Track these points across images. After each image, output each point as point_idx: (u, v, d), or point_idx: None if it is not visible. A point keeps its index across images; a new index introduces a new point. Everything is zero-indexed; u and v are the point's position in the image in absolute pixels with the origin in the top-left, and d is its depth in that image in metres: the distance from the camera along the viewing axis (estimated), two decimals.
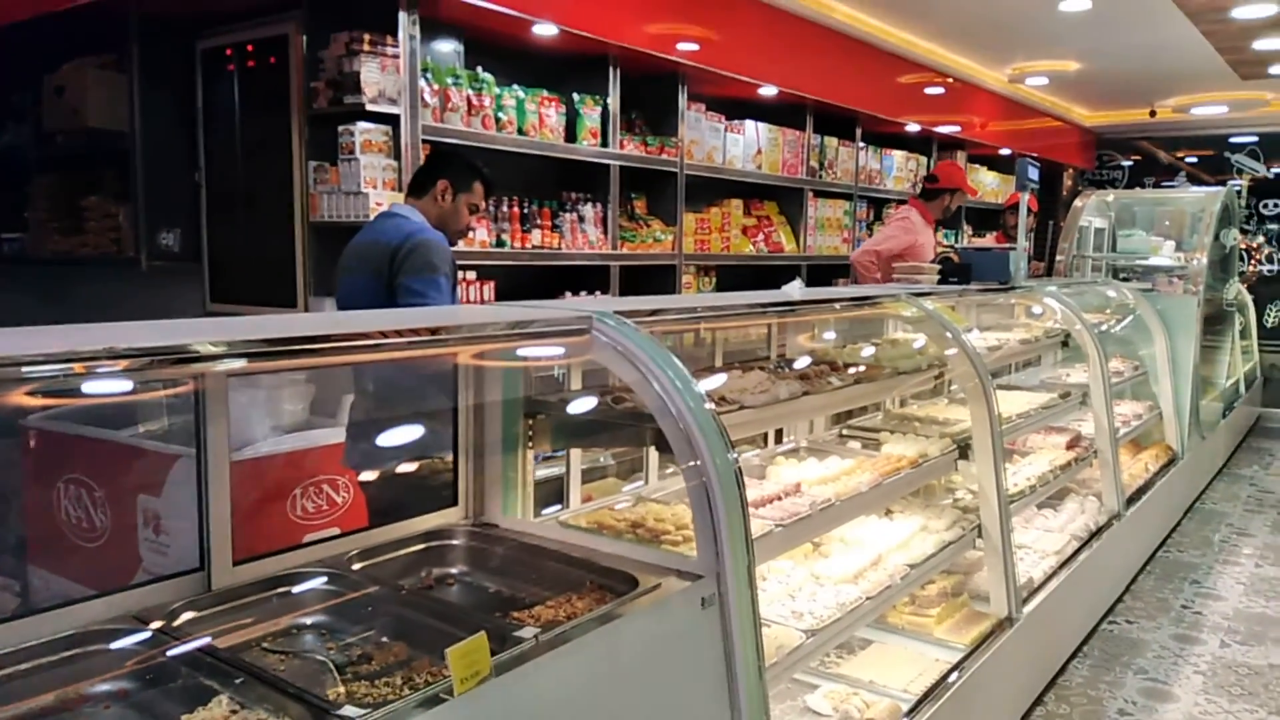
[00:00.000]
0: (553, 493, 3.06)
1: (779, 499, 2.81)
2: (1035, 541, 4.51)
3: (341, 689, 1.70)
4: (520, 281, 4.94)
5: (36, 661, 1.72)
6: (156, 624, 1.84)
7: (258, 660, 1.92)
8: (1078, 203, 8.03)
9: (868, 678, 3.15)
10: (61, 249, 5.14)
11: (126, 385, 1.66)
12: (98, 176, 5.10)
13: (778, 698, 2.89)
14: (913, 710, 2.96)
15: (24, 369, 1.33)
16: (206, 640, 1.85)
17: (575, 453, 3.00)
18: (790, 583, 2.95)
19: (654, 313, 2.63)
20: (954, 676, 3.20)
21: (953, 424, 4.07)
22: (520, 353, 2.55)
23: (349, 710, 1.51)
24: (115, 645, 1.79)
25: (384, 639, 2.04)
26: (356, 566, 2.27)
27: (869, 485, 3.02)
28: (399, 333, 1.93)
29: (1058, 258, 7.80)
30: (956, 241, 8.94)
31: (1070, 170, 12.52)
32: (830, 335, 4.27)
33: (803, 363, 3.39)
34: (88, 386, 1.55)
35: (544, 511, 2.78)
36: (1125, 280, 7.62)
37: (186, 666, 1.72)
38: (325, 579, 2.18)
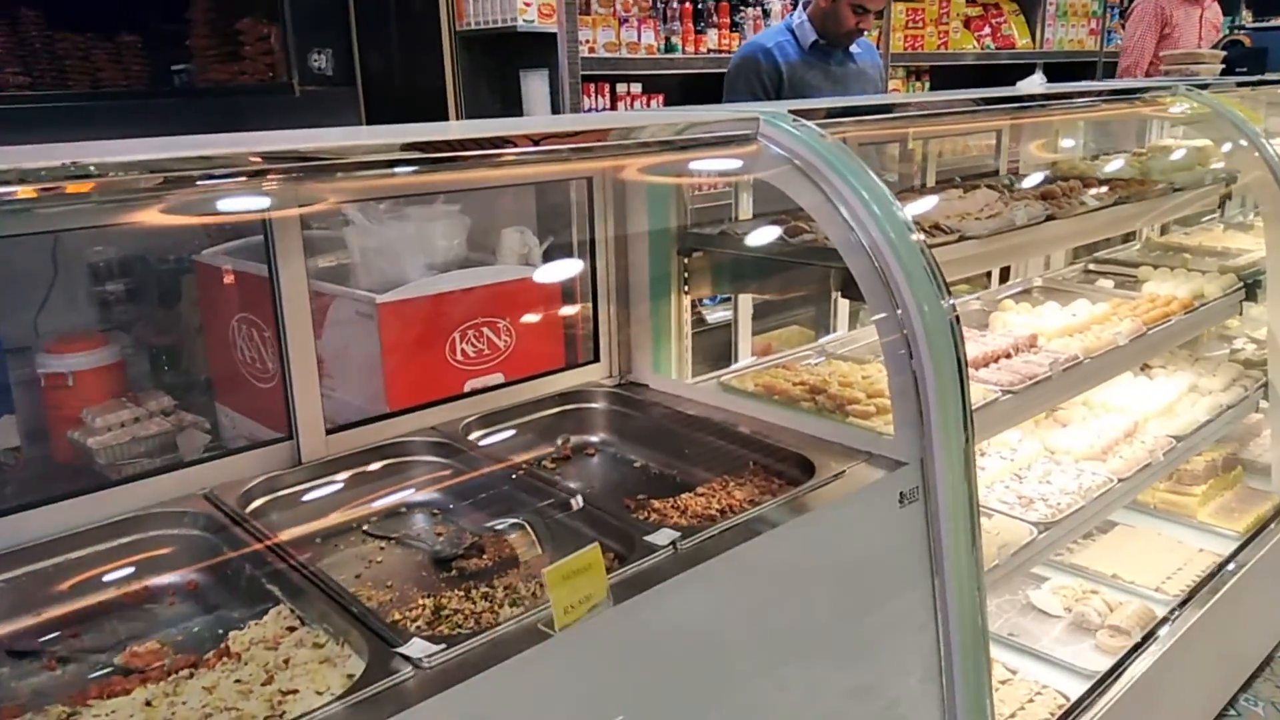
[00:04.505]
0: (720, 346, 2.58)
1: (1008, 356, 2.19)
2: None
3: (428, 603, 1.34)
4: (694, 94, 4.30)
5: (95, 548, 1.46)
6: (232, 504, 1.54)
7: (353, 547, 1.61)
8: None
9: (1110, 570, 2.57)
10: (221, 78, 4.98)
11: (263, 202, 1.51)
12: None
13: (995, 589, 2.37)
14: (1168, 617, 2.36)
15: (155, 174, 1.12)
16: (289, 532, 1.54)
17: (744, 299, 2.48)
18: (1018, 459, 2.36)
19: (842, 113, 2.00)
20: (1223, 574, 2.56)
21: (1234, 255, 3.21)
22: (670, 171, 2.02)
23: (415, 646, 1.14)
24: (177, 531, 1.51)
25: (502, 524, 1.67)
26: (478, 434, 1.91)
27: (1128, 337, 2.33)
28: (476, 142, 1.44)
29: None
30: (1234, 24, 7.29)
31: None
32: (1074, 145, 3.43)
33: (1042, 179, 2.65)
34: (220, 203, 1.37)
35: (718, 372, 2.31)
36: None
37: (250, 565, 1.41)
38: (438, 450, 1.82)
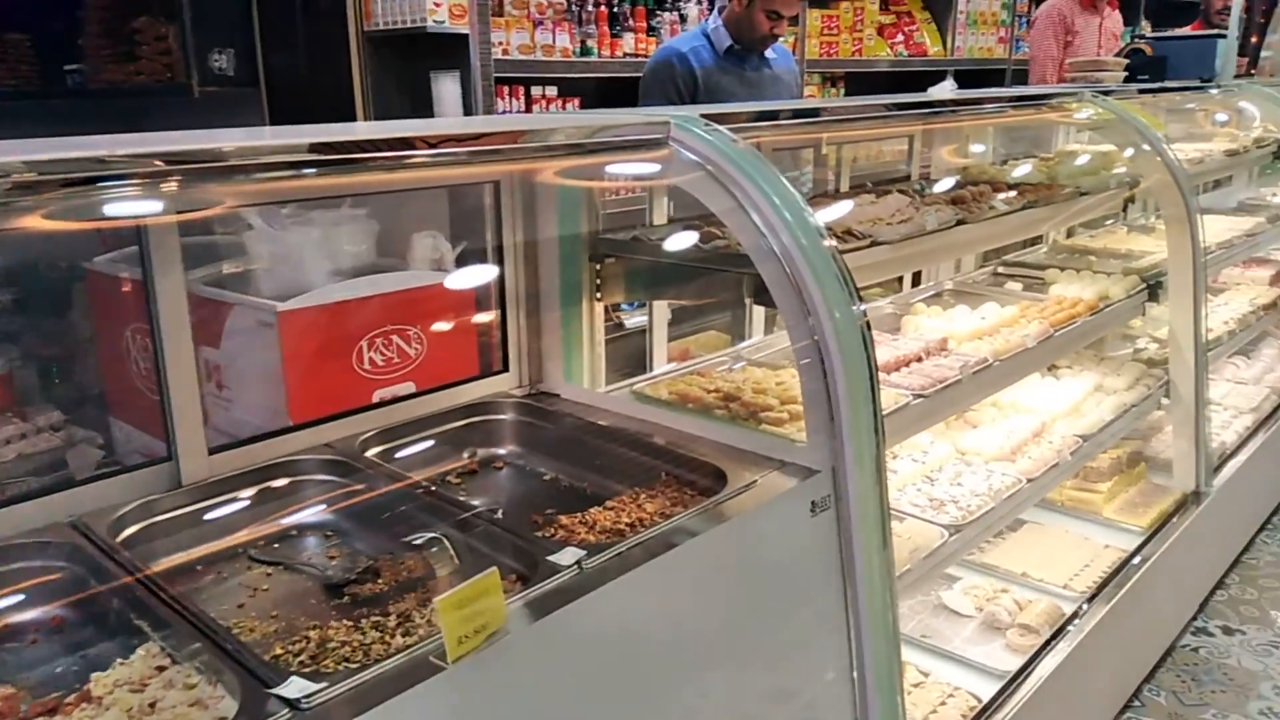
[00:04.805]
0: (639, 352, 2.53)
1: (919, 360, 2.19)
2: (1226, 396, 3.76)
3: (314, 635, 1.26)
4: (611, 98, 4.26)
5: None
6: (102, 533, 1.43)
7: (237, 575, 1.51)
8: None
9: (1020, 569, 2.60)
10: (116, 78, 4.76)
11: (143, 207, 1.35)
12: None
13: (907, 592, 2.37)
14: (1076, 614, 2.40)
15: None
16: (165, 561, 1.44)
17: (660, 305, 2.44)
18: (929, 461, 2.37)
19: (755, 117, 1.98)
20: (1128, 569, 2.61)
21: (1138, 257, 3.30)
22: (581, 175, 1.97)
23: (292, 686, 1.06)
24: (40, 563, 1.39)
25: (400, 546, 1.59)
26: (377, 450, 1.82)
27: (1036, 339, 2.36)
28: (372, 144, 1.37)
29: (1263, 53, 6.49)
30: (1134, 33, 7.55)
31: None
32: (985, 150, 3.48)
33: (953, 184, 2.67)
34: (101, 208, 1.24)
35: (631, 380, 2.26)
36: None
37: (119, 598, 1.31)
38: (333, 468, 1.73)
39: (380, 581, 1.51)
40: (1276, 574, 3.44)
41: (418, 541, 1.55)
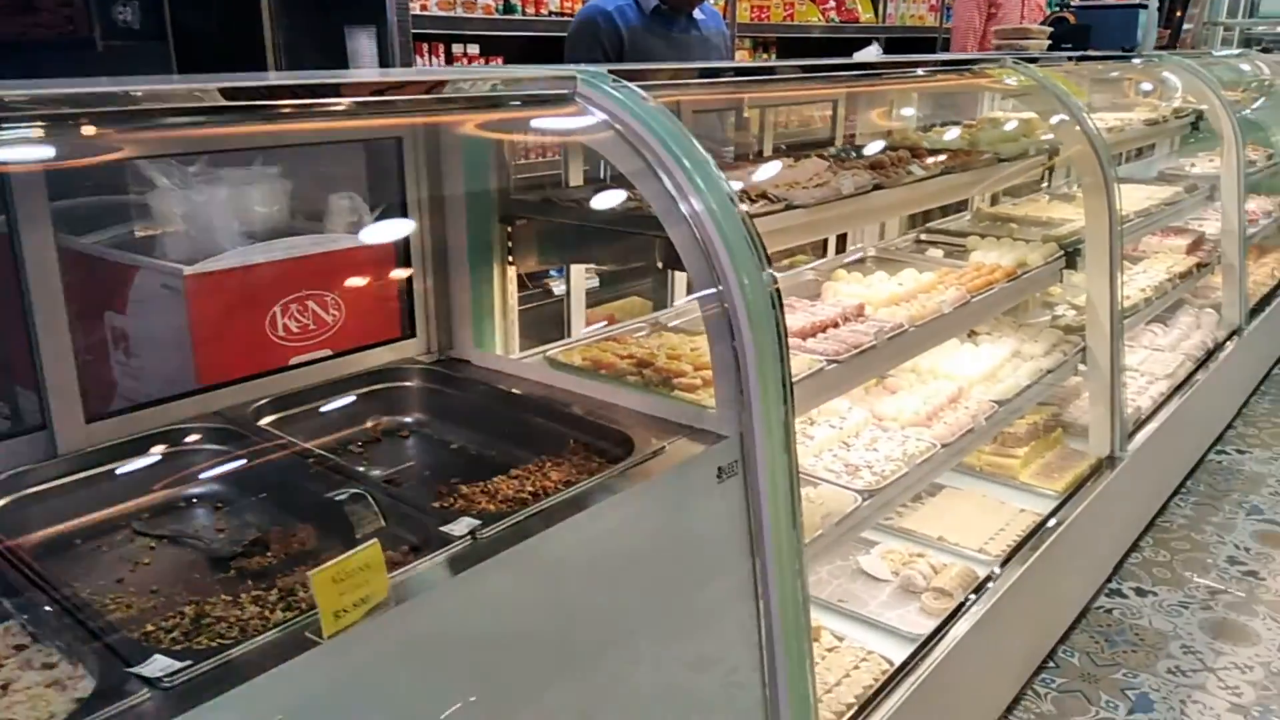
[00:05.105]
0: (560, 320, 2.48)
1: (835, 326, 2.18)
2: (1143, 363, 3.84)
3: (189, 610, 1.20)
4: (537, 58, 4.15)
5: None
6: None
7: (118, 549, 1.44)
8: None
9: (937, 533, 2.62)
10: (13, 31, 4.52)
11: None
12: None
13: (823, 556, 2.38)
14: (990, 577, 2.43)
15: None
16: (36, 535, 1.36)
17: (578, 270, 2.39)
18: (846, 426, 2.37)
19: (671, 75, 1.93)
20: (1043, 533, 2.66)
21: (1057, 225, 3.34)
22: (487, 131, 1.90)
23: (154, 665, 1.00)
24: None
25: (291, 518, 1.53)
26: (273, 418, 1.75)
27: (952, 305, 2.36)
28: (251, 91, 1.29)
29: (1184, 26, 6.62)
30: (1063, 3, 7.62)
31: None
32: (910, 117, 3.48)
33: (876, 149, 2.66)
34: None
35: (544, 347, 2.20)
36: (1266, 52, 6.46)
37: None
38: (225, 437, 1.66)
39: (270, 554, 1.45)
40: (1189, 536, 3.54)
41: (310, 512, 1.51)
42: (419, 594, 1.17)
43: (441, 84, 1.58)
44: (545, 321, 2.67)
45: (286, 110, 1.42)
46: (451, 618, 1.21)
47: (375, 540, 1.14)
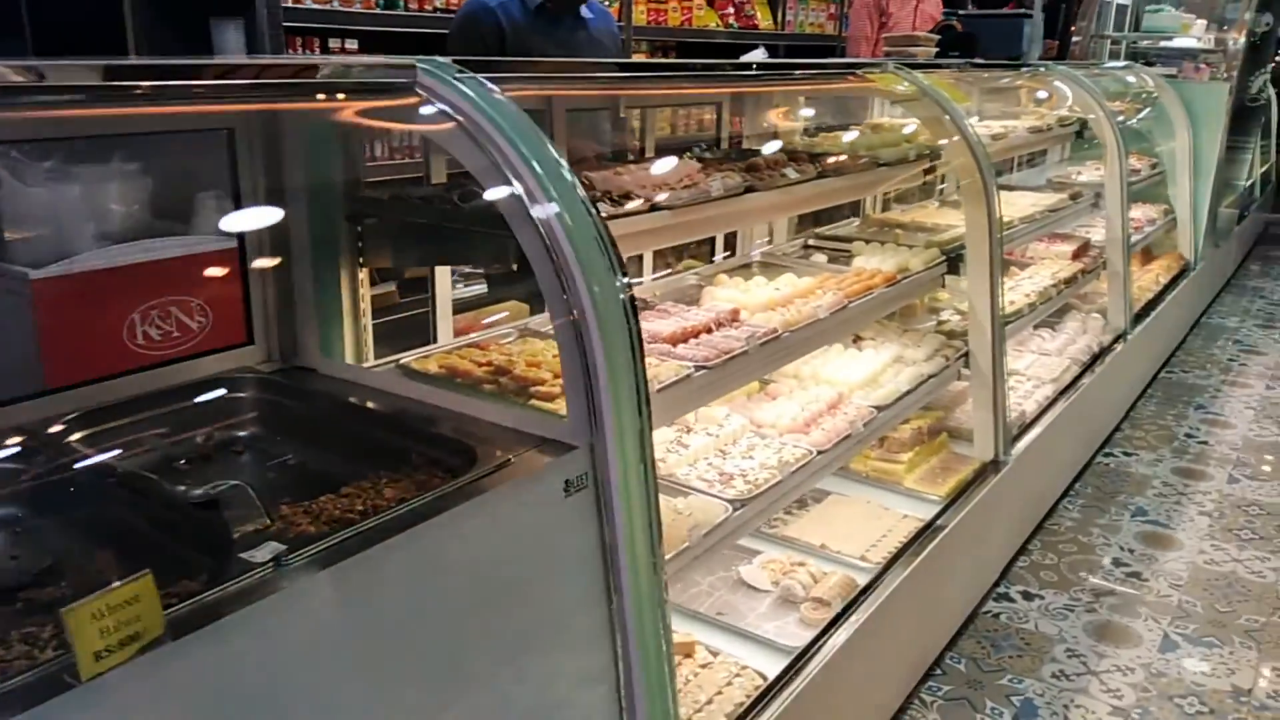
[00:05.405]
0: (419, 326, 2.37)
1: (709, 331, 2.12)
2: (1029, 367, 3.90)
3: None
4: (423, 54, 4.03)
5: None
6: None
7: None
8: None
9: (819, 540, 2.58)
10: None
11: None
12: None
13: (701, 567, 2.31)
14: (871, 585, 2.40)
15: None
16: None
17: (443, 273, 2.28)
18: (723, 434, 2.31)
19: (525, 68, 1.84)
20: (925, 538, 2.64)
21: (943, 230, 3.35)
22: (323, 123, 1.79)
23: None
24: None
25: (92, 543, 1.39)
26: (84, 433, 1.60)
27: (829, 310, 2.33)
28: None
29: (1073, 39, 6.82)
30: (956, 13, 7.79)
31: None
32: (798, 122, 3.46)
33: (749, 151, 2.61)
34: None
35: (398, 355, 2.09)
36: (1149, 65, 6.69)
37: None
38: (25, 455, 1.50)
39: (64, 584, 1.31)
40: (1076, 539, 3.59)
41: (111, 538, 1.37)
42: (202, 629, 1.05)
43: (266, 69, 1.47)
44: (417, 328, 2.55)
45: (97, 95, 1.30)
46: (244, 654, 1.10)
47: (147, 571, 1.02)
